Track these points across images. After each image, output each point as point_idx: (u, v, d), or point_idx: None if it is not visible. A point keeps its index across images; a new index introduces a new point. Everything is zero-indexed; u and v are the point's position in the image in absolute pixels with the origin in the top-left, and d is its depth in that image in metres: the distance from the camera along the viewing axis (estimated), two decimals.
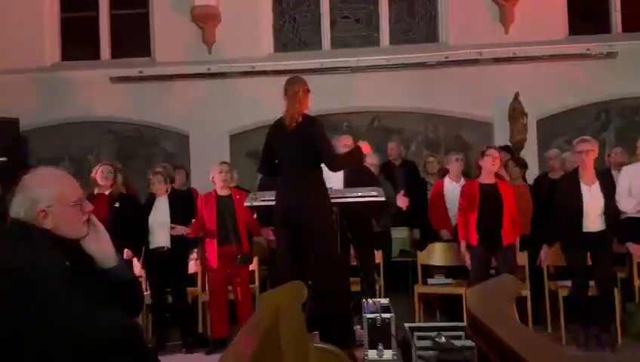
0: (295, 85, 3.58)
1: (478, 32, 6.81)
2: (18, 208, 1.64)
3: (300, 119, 3.53)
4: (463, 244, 4.48)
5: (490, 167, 4.43)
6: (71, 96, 7.08)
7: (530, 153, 6.49)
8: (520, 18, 6.81)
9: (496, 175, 4.62)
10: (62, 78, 7.14)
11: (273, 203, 3.80)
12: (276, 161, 3.72)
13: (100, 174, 4.81)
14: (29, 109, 6.93)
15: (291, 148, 3.53)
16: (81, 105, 7.09)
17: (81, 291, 1.59)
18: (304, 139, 3.50)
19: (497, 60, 6.81)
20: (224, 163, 4.93)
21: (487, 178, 4.47)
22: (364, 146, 3.80)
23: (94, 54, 7.41)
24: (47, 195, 1.64)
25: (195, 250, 5.14)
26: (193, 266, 5.17)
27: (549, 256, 4.61)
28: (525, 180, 5.49)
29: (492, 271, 4.43)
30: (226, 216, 4.68)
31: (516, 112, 6.69)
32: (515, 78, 6.70)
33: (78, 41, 7.51)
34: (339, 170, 3.92)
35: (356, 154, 3.70)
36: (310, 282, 3.67)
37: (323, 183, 3.62)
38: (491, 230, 4.34)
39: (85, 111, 7.12)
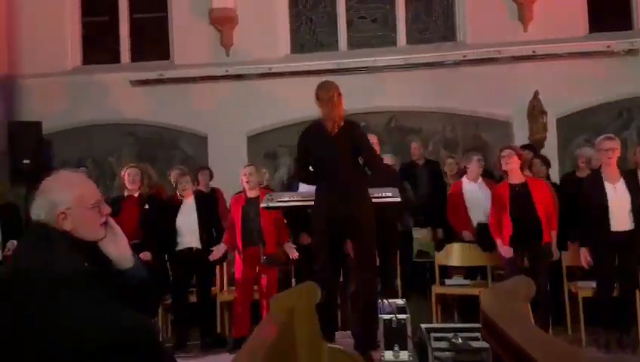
0: (330, 90, 3.63)
1: (497, 30, 6.75)
2: (38, 210, 1.69)
3: (341, 123, 3.61)
4: (499, 242, 4.44)
5: (505, 167, 4.43)
6: (92, 99, 7.21)
7: (550, 152, 6.40)
8: (539, 15, 6.72)
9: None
10: (83, 82, 7.27)
11: (291, 203, 3.85)
12: (309, 167, 3.78)
13: (127, 177, 4.89)
14: (51, 113, 7.08)
15: (336, 151, 3.58)
16: (102, 108, 7.21)
17: (99, 292, 1.63)
18: (348, 141, 3.59)
19: (516, 59, 6.74)
20: (249, 165, 4.96)
21: (515, 178, 4.44)
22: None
23: (115, 58, 7.54)
24: (66, 198, 1.68)
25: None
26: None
27: (585, 256, 4.40)
28: (549, 179, 5.45)
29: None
30: (251, 217, 4.72)
31: (536, 111, 6.61)
32: (535, 77, 6.62)
33: (98, 45, 7.64)
34: (380, 170, 3.97)
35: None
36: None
37: (366, 185, 3.71)
38: (525, 229, 4.31)
39: (106, 114, 7.24)
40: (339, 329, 4.15)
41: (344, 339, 3.68)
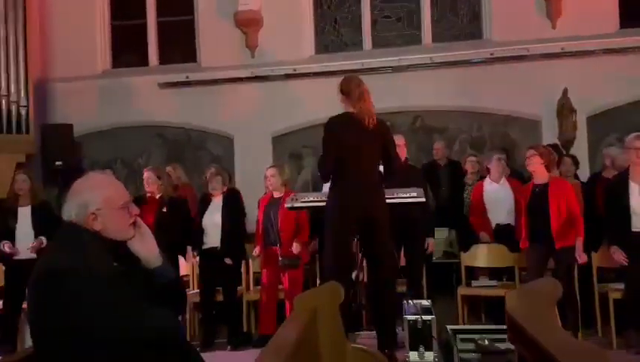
0: (361, 84, 3.60)
1: (524, 27, 6.64)
2: (69, 211, 1.74)
3: (375, 120, 3.58)
4: (522, 244, 4.42)
5: (529, 167, 4.39)
6: (121, 101, 7.35)
7: (580, 151, 6.27)
8: (568, 11, 6.59)
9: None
10: (113, 85, 7.42)
11: (316, 204, 3.85)
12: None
13: (145, 180, 4.98)
14: (82, 115, 7.25)
15: (368, 147, 3.54)
16: (131, 110, 7.35)
17: (128, 290, 1.67)
18: (380, 140, 3.58)
19: (545, 56, 6.61)
20: (272, 166, 4.99)
21: (539, 178, 4.38)
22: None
23: (143, 61, 7.67)
24: (96, 199, 1.73)
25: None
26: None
27: (618, 256, 4.28)
28: (578, 178, 5.35)
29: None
30: (272, 218, 4.76)
31: (565, 109, 6.48)
32: (564, 74, 6.49)
33: (127, 49, 7.79)
34: (395, 174, 3.95)
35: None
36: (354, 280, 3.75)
37: (383, 183, 3.70)
38: (540, 232, 4.25)
39: (135, 116, 7.38)
40: (363, 329, 4.15)
41: (368, 339, 3.68)
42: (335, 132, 3.57)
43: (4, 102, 6.80)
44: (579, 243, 4.23)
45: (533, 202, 4.32)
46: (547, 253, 4.30)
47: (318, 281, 5.04)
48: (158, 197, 4.97)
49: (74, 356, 1.58)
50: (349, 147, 3.52)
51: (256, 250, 4.92)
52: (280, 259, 4.69)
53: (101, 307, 1.58)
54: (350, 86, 3.59)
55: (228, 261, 4.85)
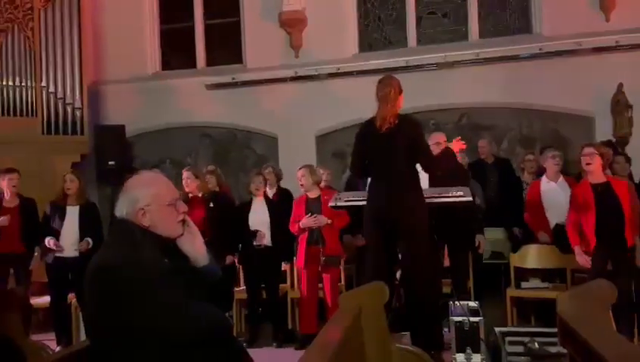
0: (386, 87, 3.57)
1: (576, 20, 6.40)
2: (121, 207, 1.81)
3: (393, 120, 3.52)
4: (577, 250, 4.23)
5: (587, 167, 4.20)
6: (170, 103, 7.56)
7: (635, 149, 6.00)
8: (622, 3, 6.31)
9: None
10: (162, 87, 7.64)
11: (359, 203, 3.84)
12: (365, 162, 3.74)
13: (184, 180, 5.08)
14: (133, 116, 7.50)
15: (388, 149, 3.52)
16: (180, 111, 7.54)
17: (179, 287, 1.72)
18: (404, 139, 3.51)
19: (598, 50, 6.36)
20: (301, 167, 5.00)
21: (596, 177, 4.21)
22: (457, 143, 3.79)
23: (191, 63, 7.86)
24: (145, 195, 1.79)
25: None
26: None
27: None
28: (632, 178, 5.13)
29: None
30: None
31: (620, 105, 6.23)
32: (618, 68, 6.23)
33: (176, 51, 7.99)
34: (434, 172, 3.90)
35: (448, 156, 3.69)
36: (397, 282, 3.70)
37: (419, 183, 3.64)
38: (612, 232, 4.09)
39: (184, 116, 7.57)
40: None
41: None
42: (358, 138, 3.71)
43: (60, 104, 7.11)
44: (638, 243, 4.09)
45: (602, 202, 4.14)
46: (609, 253, 4.14)
47: (342, 279, 5.04)
48: (200, 195, 5.07)
49: (127, 350, 1.63)
50: (370, 151, 3.63)
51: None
52: (322, 258, 4.71)
53: (154, 302, 1.63)
54: (378, 87, 3.61)
55: (229, 260, 4.94)
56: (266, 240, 4.95)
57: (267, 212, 5.00)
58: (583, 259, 4.19)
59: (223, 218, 4.93)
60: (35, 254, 5.14)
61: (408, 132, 3.54)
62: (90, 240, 4.90)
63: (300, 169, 4.96)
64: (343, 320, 1.91)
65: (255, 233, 4.90)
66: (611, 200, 4.11)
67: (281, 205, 5.26)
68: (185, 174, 5.11)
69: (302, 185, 4.88)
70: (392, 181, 3.52)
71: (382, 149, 3.54)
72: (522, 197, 5.24)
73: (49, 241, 4.84)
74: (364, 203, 3.68)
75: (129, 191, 1.82)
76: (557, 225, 4.79)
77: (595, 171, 4.20)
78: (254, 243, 4.92)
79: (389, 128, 3.52)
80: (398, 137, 3.51)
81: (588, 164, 4.18)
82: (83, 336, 4.95)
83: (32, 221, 5.14)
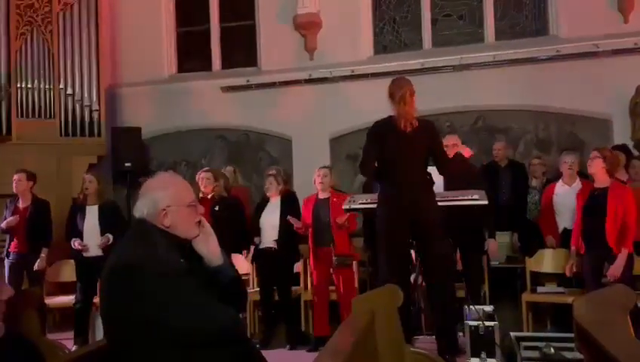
0: (402, 88, 3.58)
1: (594, 22, 6.33)
2: (142, 208, 1.84)
3: (415, 122, 3.54)
4: (572, 250, 4.28)
5: (589, 170, 4.24)
6: (186, 105, 7.61)
7: None
8: None
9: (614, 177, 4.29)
10: (178, 89, 7.70)
11: (372, 206, 3.83)
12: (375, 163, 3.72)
13: (202, 180, 5.14)
14: (149, 118, 7.57)
15: (410, 151, 3.53)
16: (196, 113, 7.59)
17: (195, 286, 1.74)
18: (425, 142, 3.55)
19: (616, 52, 6.27)
20: (323, 167, 5.03)
21: (599, 182, 4.21)
22: (465, 150, 3.78)
23: (207, 66, 7.91)
24: (166, 196, 1.82)
25: None
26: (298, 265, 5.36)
27: None
28: None
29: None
30: (322, 218, 4.79)
31: (638, 107, 6.12)
32: (637, 71, 6.12)
33: (192, 54, 8.05)
34: (448, 175, 3.91)
35: (459, 160, 3.69)
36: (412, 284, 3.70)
37: (433, 185, 3.65)
38: (595, 238, 4.08)
39: (199, 119, 7.61)
40: (423, 334, 4.09)
41: (427, 344, 3.62)
42: (375, 136, 3.65)
43: (78, 106, 7.20)
44: (622, 256, 4.00)
45: (590, 206, 4.18)
46: (603, 258, 4.10)
47: (355, 281, 5.02)
48: (209, 197, 5.11)
49: (143, 347, 1.65)
50: (389, 151, 3.58)
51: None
52: (334, 258, 4.71)
53: (171, 301, 1.65)
54: (391, 89, 3.61)
55: (237, 257, 4.98)
56: (271, 242, 4.95)
57: (278, 213, 5.01)
58: (569, 266, 4.30)
59: (224, 223, 4.98)
60: (42, 256, 5.20)
61: (429, 134, 3.59)
62: (110, 236, 4.98)
63: (322, 168, 4.98)
64: (356, 324, 1.91)
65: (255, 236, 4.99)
66: (598, 208, 4.08)
67: (286, 207, 5.26)
68: (205, 174, 5.15)
69: (320, 183, 4.88)
70: (415, 182, 3.53)
71: (405, 150, 3.54)
72: (526, 201, 5.29)
73: (74, 242, 4.94)
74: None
75: (150, 193, 1.84)
76: (565, 229, 4.76)
77: (596, 174, 4.18)
78: (262, 246, 4.96)
79: (412, 129, 3.52)
80: (420, 139, 3.54)
81: (590, 166, 4.21)
82: (99, 336, 5.01)
83: (41, 222, 5.22)
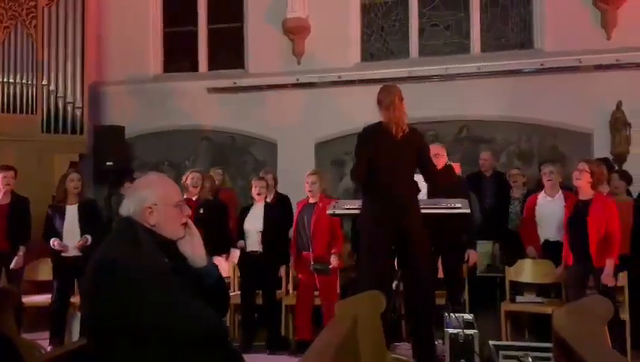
0: (391, 94, 3.58)
1: (577, 37, 6.44)
2: (128, 206, 1.83)
3: (406, 128, 3.54)
4: (563, 262, 4.33)
5: (575, 182, 4.28)
6: (171, 105, 7.56)
7: (633, 167, 6.01)
8: (623, 22, 6.35)
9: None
10: (163, 89, 7.64)
11: (357, 211, 3.83)
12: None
13: (191, 181, 5.10)
14: (133, 118, 7.50)
15: (398, 157, 3.52)
16: (181, 114, 7.54)
17: (177, 286, 1.72)
18: (412, 149, 3.54)
19: (598, 68, 6.40)
20: (312, 173, 5.01)
21: (584, 194, 4.27)
22: (455, 166, 3.81)
23: (193, 67, 7.87)
24: (153, 195, 1.82)
25: None
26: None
27: None
28: (630, 195, 5.14)
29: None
30: (305, 223, 4.79)
31: (618, 123, 6.26)
32: (618, 86, 6.26)
33: (178, 54, 8.00)
34: (435, 183, 3.92)
35: (449, 173, 3.71)
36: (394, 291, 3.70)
37: (418, 193, 3.65)
38: (580, 249, 4.15)
39: (184, 119, 7.56)
40: (403, 340, 4.10)
41: (407, 350, 3.63)
42: (365, 142, 3.62)
43: (60, 103, 7.10)
44: (609, 263, 4.05)
45: (574, 218, 4.24)
46: (586, 271, 4.18)
47: (337, 287, 5.03)
48: (194, 198, 5.07)
49: (125, 346, 1.63)
50: (379, 157, 3.54)
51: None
52: (312, 264, 4.71)
53: (154, 299, 1.64)
54: (381, 95, 3.61)
55: (218, 260, 4.93)
56: (255, 246, 4.93)
57: (262, 217, 4.99)
58: (559, 273, 4.34)
59: (207, 225, 4.94)
60: (20, 253, 5.11)
61: (418, 142, 3.60)
62: (88, 237, 4.91)
63: (312, 174, 4.96)
64: (338, 328, 1.90)
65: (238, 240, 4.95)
66: (581, 220, 4.15)
67: (278, 210, 5.27)
68: (194, 175, 5.10)
69: (309, 191, 4.87)
70: (403, 189, 3.52)
71: (396, 156, 3.52)
72: (508, 212, 5.36)
73: (53, 242, 4.85)
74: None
75: (137, 191, 1.84)
76: (546, 240, 4.82)
77: (582, 187, 4.24)
78: (248, 250, 4.93)
79: (402, 136, 3.52)
80: (410, 145, 3.54)
81: (577, 179, 4.25)
82: (76, 337, 4.93)
83: (21, 220, 5.13)
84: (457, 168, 4.17)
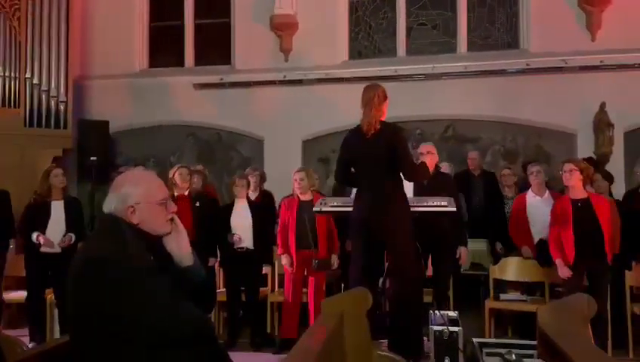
0: (370, 92, 3.55)
1: (563, 38, 6.52)
2: (110, 203, 1.80)
3: (378, 126, 3.50)
4: (559, 263, 4.26)
5: (567, 182, 4.26)
6: (157, 100, 7.49)
7: (615, 167, 6.12)
8: (608, 24, 6.45)
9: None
10: (149, 84, 7.57)
11: (342, 209, 3.83)
12: (352, 169, 3.72)
13: (179, 176, 5.05)
14: (118, 112, 7.42)
15: (371, 156, 3.50)
16: (166, 109, 7.48)
17: (164, 284, 1.70)
18: (384, 146, 3.46)
19: (583, 69, 6.49)
20: (299, 170, 5.00)
21: (576, 193, 4.27)
22: (443, 167, 3.78)
23: (179, 62, 7.80)
24: (135, 193, 1.79)
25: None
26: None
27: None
28: (611, 195, 5.21)
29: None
30: (305, 221, 4.76)
31: (602, 123, 6.35)
32: (602, 87, 6.35)
33: (164, 49, 7.93)
34: (415, 181, 3.92)
35: (423, 168, 3.66)
36: (380, 289, 3.70)
37: (403, 192, 3.60)
38: (591, 248, 4.14)
39: (170, 115, 7.51)
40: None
41: None
42: (343, 145, 3.70)
43: (44, 97, 6.99)
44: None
45: (580, 217, 4.19)
46: (587, 269, 4.20)
47: (342, 286, 5.04)
48: (186, 193, 5.03)
49: (110, 344, 1.61)
50: (355, 158, 3.62)
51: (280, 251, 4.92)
52: (314, 261, 4.69)
53: (139, 296, 1.61)
54: (363, 94, 3.59)
55: (212, 262, 4.93)
56: (247, 242, 4.91)
57: (249, 215, 4.97)
58: (565, 271, 4.22)
59: (208, 219, 4.91)
60: (11, 247, 5.03)
61: (389, 139, 3.47)
62: (73, 235, 4.84)
63: (298, 171, 4.93)
64: (324, 326, 1.90)
65: (232, 236, 4.88)
66: (590, 216, 4.16)
67: (263, 208, 5.24)
68: (182, 170, 5.05)
69: (298, 187, 4.84)
70: (375, 190, 3.48)
71: (366, 156, 3.52)
72: (504, 211, 5.29)
73: (37, 237, 4.75)
74: (349, 209, 3.67)
75: (119, 188, 1.81)
76: (540, 240, 4.82)
77: (574, 187, 4.25)
78: (235, 246, 4.89)
79: (374, 134, 3.49)
80: (379, 144, 3.47)
81: (568, 179, 4.24)
82: (57, 334, 4.86)
83: (3, 214, 5.03)
84: (445, 168, 4.16)
